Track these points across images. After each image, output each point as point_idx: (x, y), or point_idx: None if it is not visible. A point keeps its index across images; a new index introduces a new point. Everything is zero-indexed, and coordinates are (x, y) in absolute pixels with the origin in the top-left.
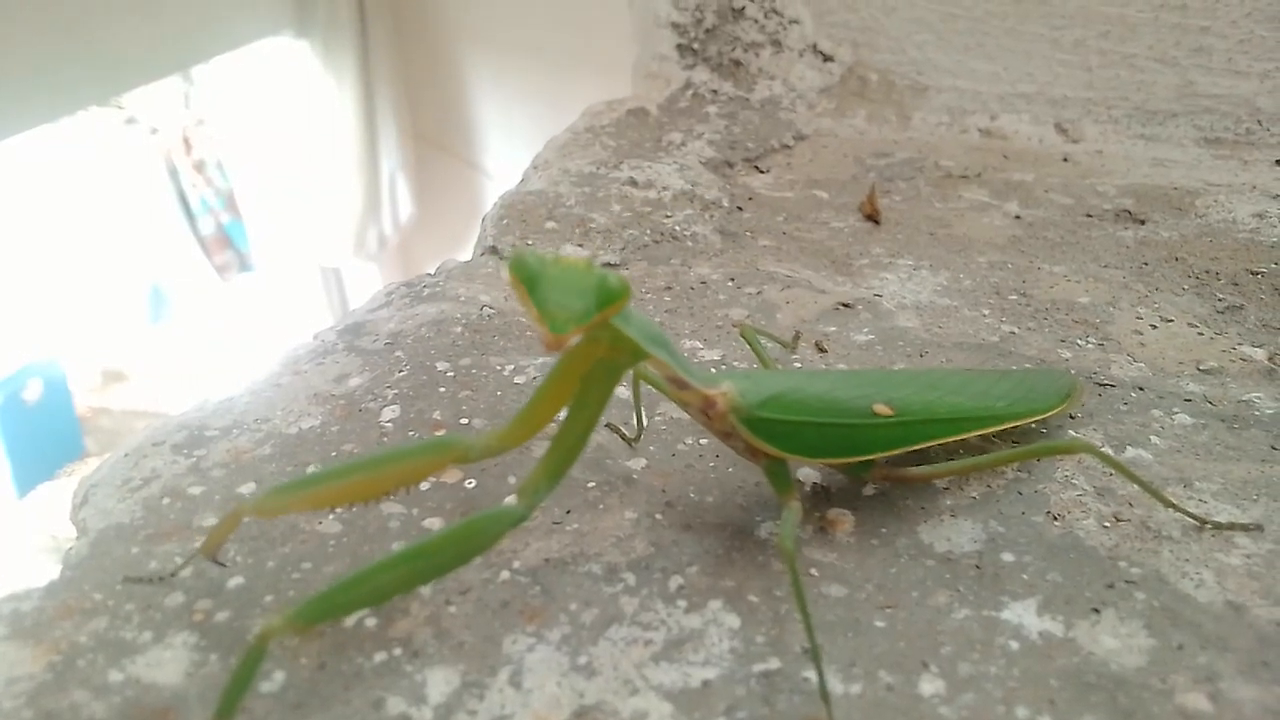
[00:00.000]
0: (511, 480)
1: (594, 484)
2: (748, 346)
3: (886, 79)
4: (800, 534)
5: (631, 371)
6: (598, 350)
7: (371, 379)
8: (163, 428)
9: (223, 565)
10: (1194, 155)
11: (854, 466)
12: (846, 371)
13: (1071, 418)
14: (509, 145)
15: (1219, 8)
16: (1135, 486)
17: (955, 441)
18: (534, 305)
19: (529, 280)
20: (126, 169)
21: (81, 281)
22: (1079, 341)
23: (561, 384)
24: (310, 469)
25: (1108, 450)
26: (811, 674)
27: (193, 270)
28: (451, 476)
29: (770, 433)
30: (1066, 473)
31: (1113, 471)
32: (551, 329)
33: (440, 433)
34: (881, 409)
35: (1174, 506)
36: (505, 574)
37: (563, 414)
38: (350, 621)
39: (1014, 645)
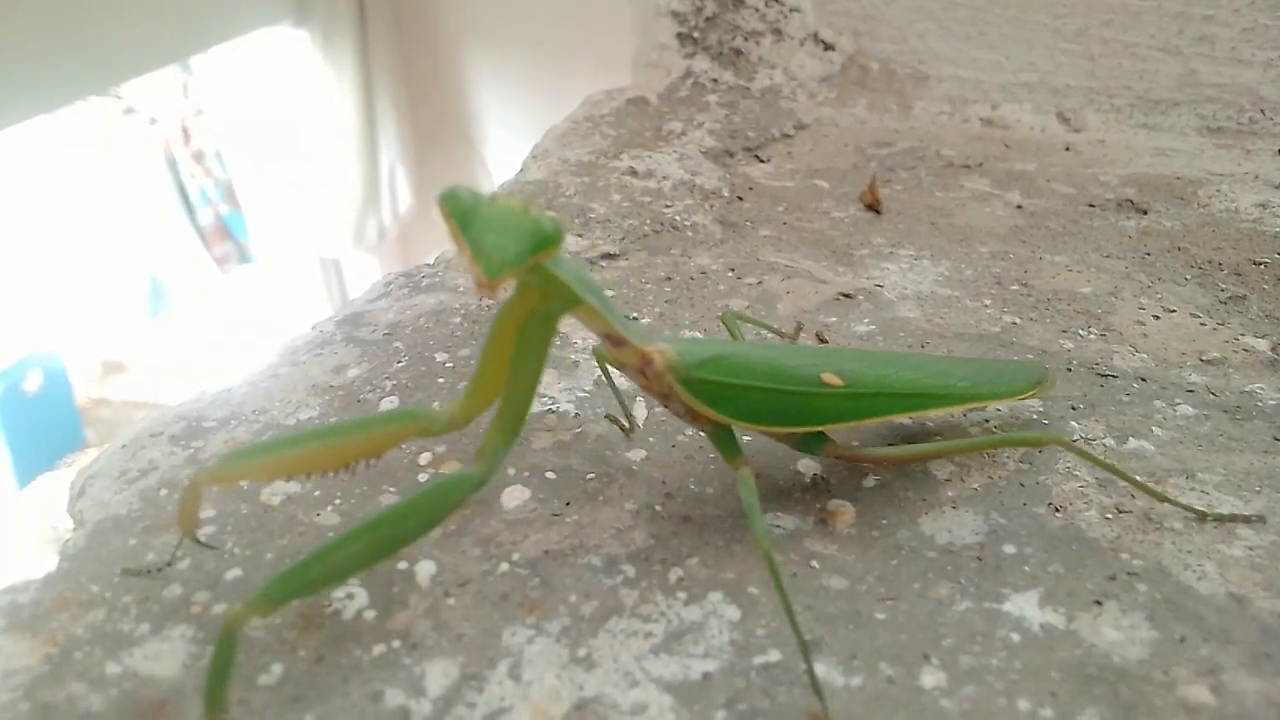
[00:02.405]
0: (511, 472)
1: (593, 475)
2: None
3: (888, 68)
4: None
5: (596, 359)
6: (530, 300)
7: (370, 370)
8: (161, 419)
9: (210, 547)
10: (1196, 145)
11: (803, 440)
12: (801, 345)
13: (1073, 409)
14: (508, 134)
15: None
16: (1133, 476)
17: (912, 419)
18: (467, 245)
19: (461, 217)
20: (125, 160)
21: (81, 273)
22: (1081, 332)
23: (503, 341)
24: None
25: (1110, 442)
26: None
27: (192, 261)
28: (451, 469)
29: (710, 395)
30: (1068, 464)
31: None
32: (486, 271)
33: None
34: (831, 378)
35: (1169, 500)
36: (504, 566)
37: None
38: (349, 614)
39: (1015, 637)
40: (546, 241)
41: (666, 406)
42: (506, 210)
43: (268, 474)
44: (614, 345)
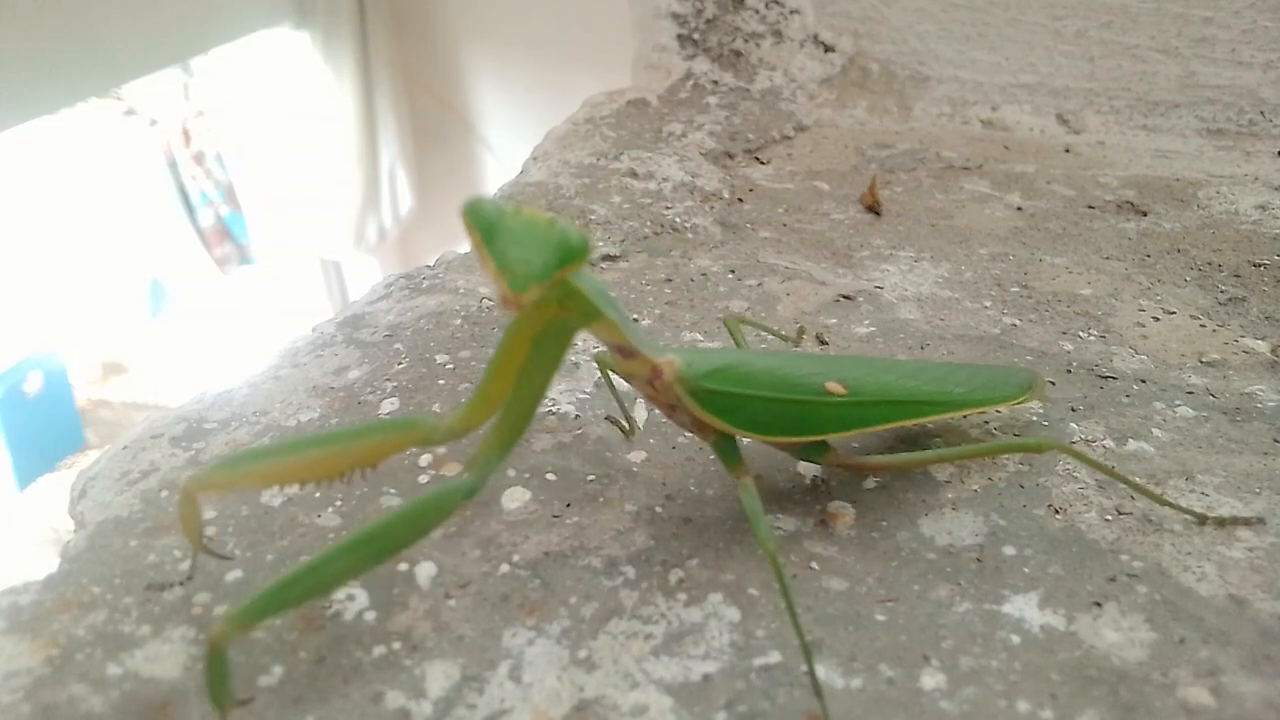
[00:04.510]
0: (511, 474)
1: (593, 477)
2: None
3: (888, 69)
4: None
5: (598, 364)
6: (548, 311)
7: (371, 371)
8: (161, 420)
9: (226, 558)
10: (1196, 146)
11: (807, 449)
12: (802, 353)
13: (1073, 410)
14: (509, 136)
15: None
16: (1133, 480)
17: (913, 425)
18: (491, 259)
19: (486, 230)
20: (125, 161)
21: (81, 274)
22: (1081, 333)
23: (515, 352)
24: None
25: (1110, 443)
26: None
27: (192, 263)
28: (451, 470)
29: (717, 406)
30: (1068, 466)
31: (1087, 464)
32: (511, 286)
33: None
34: (835, 387)
35: (1168, 504)
36: (505, 567)
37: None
38: (349, 615)
39: (1015, 639)
40: (573, 255)
41: (671, 417)
42: (532, 222)
43: (261, 481)
44: (624, 357)
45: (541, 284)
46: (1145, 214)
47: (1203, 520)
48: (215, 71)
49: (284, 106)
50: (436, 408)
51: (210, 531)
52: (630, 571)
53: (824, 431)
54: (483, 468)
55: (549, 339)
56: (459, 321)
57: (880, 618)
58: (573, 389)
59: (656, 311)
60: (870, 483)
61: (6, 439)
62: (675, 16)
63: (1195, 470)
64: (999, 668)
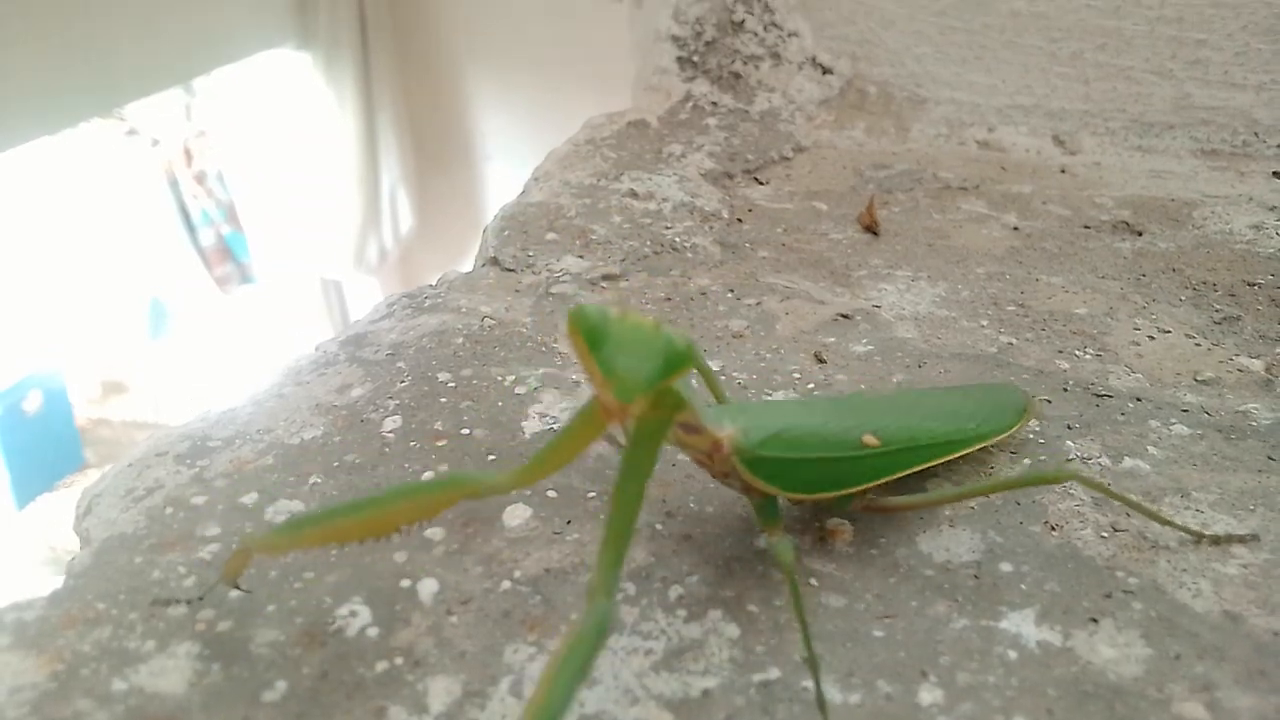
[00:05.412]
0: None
1: (594, 494)
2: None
3: (885, 91)
4: (799, 543)
5: None
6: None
7: (373, 389)
8: (165, 438)
9: (247, 591)
10: (1191, 167)
11: (837, 499)
12: (832, 400)
13: (1069, 429)
14: (509, 157)
15: (1215, 20)
16: (1132, 499)
17: (931, 466)
18: (598, 368)
19: (591, 337)
20: (127, 181)
21: (82, 293)
22: (1077, 352)
23: (588, 428)
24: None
25: (1106, 461)
26: (811, 683)
27: (193, 282)
28: None
29: (768, 472)
30: (1065, 484)
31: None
32: (618, 395)
33: (448, 469)
34: (870, 440)
35: (1170, 524)
36: (506, 584)
37: (604, 490)
38: (352, 631)
39: (1012, 655)
40: (679, 362)
41: (723, 482)
42: (638, 329)
43: (319, 542)
44: (687, 433)
45: (648, 394)
46: (1140, 234)
47: (1198, 537)
48: (217, 92)
49: (285, 127)
50: (438, 425)
51: (215, 548)
52: (630, 588)
53: (860, 483)
54: (606, 587)
55: (644, 438)
56: (461, 340)
57: (878, 634)
58: (574, 407)
59: None
60: None
61: (6, 458)
62: (675, 39)
63: (1190, 488)
64: (996, 683)
